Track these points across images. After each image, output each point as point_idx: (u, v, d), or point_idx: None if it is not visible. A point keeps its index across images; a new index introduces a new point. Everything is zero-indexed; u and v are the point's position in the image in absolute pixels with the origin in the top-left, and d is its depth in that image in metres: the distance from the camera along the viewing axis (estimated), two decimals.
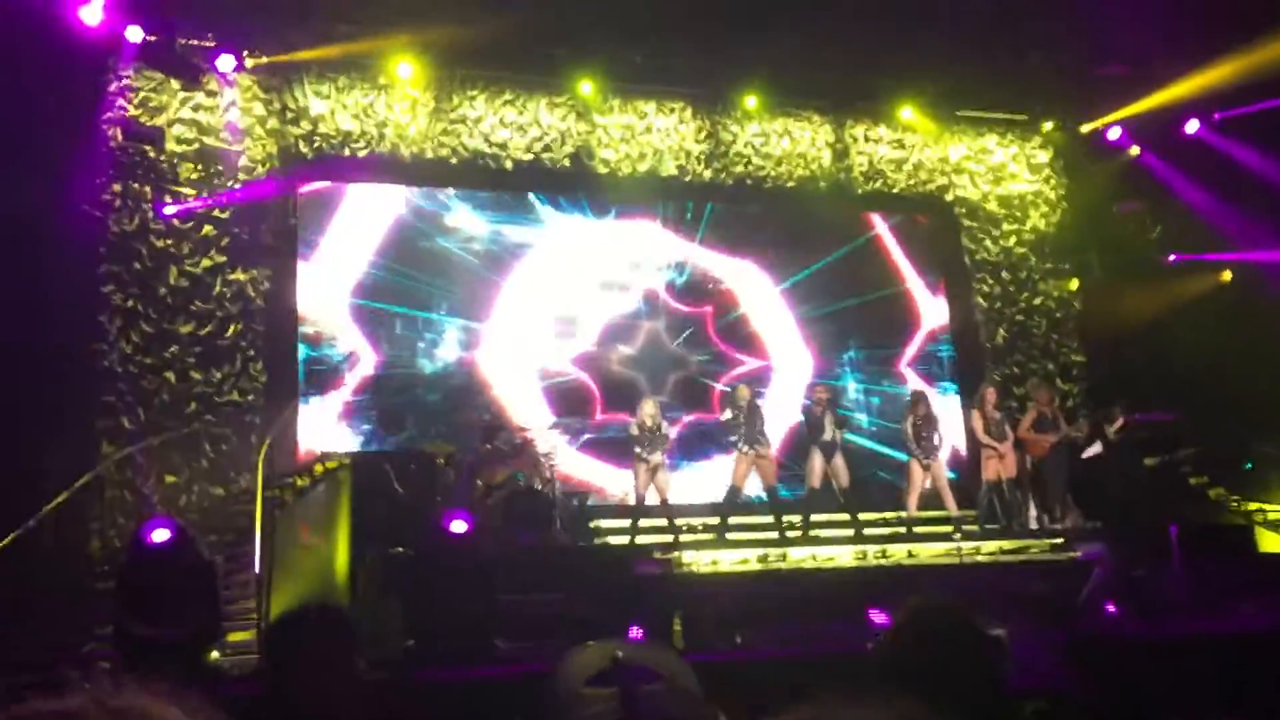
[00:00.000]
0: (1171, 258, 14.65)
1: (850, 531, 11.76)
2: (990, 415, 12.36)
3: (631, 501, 11.71)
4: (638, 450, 11.35)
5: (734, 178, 14.22)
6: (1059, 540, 11.70)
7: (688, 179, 14.03)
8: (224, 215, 11.84)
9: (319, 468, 10.40)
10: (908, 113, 14.54)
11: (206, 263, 11.68)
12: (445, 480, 10.23)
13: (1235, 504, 12.75)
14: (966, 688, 2.27)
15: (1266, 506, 12.66)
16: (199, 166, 11.87)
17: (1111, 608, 9.29)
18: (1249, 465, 13.07)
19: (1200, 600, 9.00)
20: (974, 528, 12.04)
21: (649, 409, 11.48)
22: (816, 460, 11.84)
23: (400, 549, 8.86)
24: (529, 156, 13.39)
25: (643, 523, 11.47)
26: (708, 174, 14.10)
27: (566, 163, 13.54)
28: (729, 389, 12.17)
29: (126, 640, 6.22)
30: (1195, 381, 12.94)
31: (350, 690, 2.51)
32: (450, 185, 13.34)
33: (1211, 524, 12.33)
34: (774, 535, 11.49)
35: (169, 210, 11.56)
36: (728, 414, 11.69)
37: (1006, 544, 11.72)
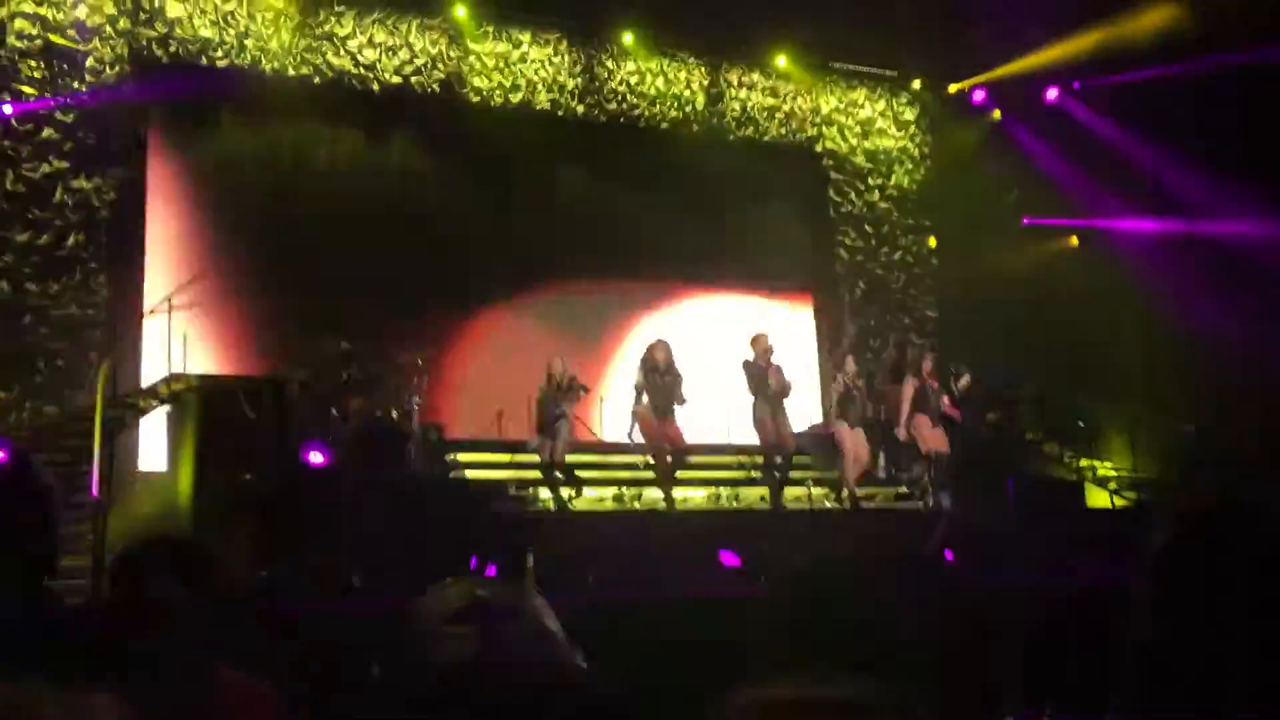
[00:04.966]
0: (1024, 221, 15.15)
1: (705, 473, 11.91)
2: (926, 384, 11.62)
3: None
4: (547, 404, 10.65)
5: (608, 115, 14.06)
6: (904, 490, 12.07)
7: (560, 113, 13.82)
8: (68, 119, 11.19)
9: (164, 389, 10.01)
10: (782, 61, 14.61)
11: (47, 168, 11.04)
12: (298, 407, 9.96)
13: (1068, 460, 13.35)
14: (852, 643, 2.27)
15: (1097, 463, 13.30)
16: (42, 65, 11.16)
17: (950, 556, 9.62)
18: (1080, 423, 13.65)
19: (1032, 552, 9.39)
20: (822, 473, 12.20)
21: (558, 364, 10.79)
22: (763, 414, 10.91)
23: (249, 476, 8.61)
24: (397, 80, 12.98)
25: (498, 458, 11.42)
26: (580, 109, 13.92)
27: (436, 88, 13.18)
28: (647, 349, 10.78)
29: None
30: (1039, 341, 13.46)
31: (200, 625, 2.40)
32: (314, 106, 12.79)
33: (1045, 478, 12.88)
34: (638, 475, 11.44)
35: (7, 110, 10.87)
36: (638, 377, 10.70)
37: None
